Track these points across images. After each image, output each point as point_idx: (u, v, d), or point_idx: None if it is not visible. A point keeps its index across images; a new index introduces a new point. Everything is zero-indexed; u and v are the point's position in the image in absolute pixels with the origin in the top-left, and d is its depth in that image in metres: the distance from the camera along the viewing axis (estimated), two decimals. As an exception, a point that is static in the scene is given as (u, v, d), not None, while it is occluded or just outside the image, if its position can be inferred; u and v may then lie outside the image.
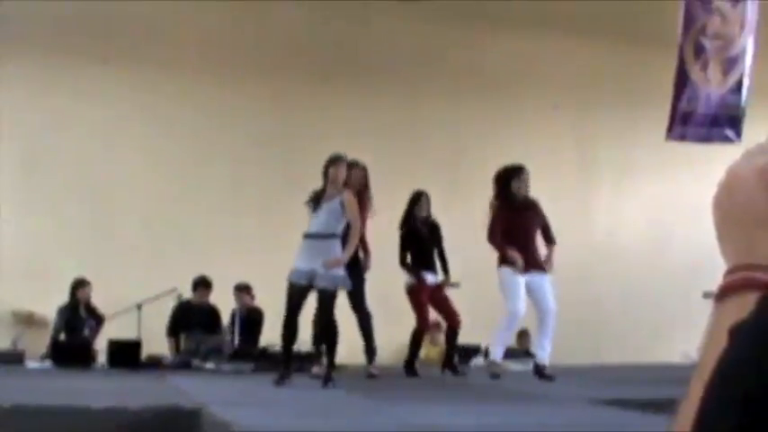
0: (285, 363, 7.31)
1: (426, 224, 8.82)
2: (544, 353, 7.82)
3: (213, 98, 11.23)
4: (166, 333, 10.03)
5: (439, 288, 8.76)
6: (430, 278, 8.72)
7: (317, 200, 7.30)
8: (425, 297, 8.64)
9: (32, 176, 10.69)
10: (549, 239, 8.13)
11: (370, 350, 8.28)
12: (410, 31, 11.84)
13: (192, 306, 10.11)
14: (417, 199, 8.82)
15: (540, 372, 7.79)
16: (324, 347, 7.63)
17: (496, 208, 8.00)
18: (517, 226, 7.85)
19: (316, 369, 7.59)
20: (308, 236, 7.25)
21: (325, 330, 7.43)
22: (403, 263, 8.72)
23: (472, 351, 10.25)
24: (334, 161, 7.41)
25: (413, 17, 11.68)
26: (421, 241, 8.75)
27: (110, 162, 10.95)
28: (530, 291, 7.81)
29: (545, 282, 7.85)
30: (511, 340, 8.15)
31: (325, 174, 7.38)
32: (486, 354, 9.00)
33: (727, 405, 0.64)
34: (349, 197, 7.34)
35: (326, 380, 7.13)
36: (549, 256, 7.99)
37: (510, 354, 8.95)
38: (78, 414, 5.29)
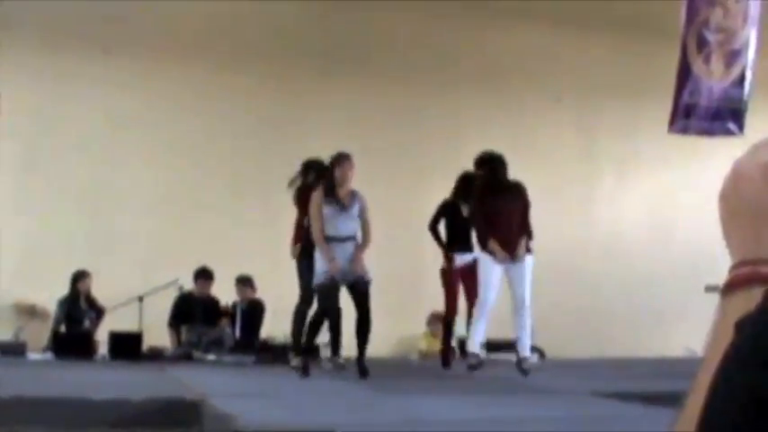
0: (310, 353, 7.61)
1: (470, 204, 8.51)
2: (523, 347, 7.72)
3: (215, 90, 11.21)
4: (168, 325, 10.03)
5: (473, 265, 8.22)
6: (464, 257, 8.39)
7: (336, 201, 7.44)
8: (456, 280, 8.39)
9: (34, 168, 10.68)
10: (527, 229, 7.73)
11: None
12: (412, 22, 11.82)
13: (193, 298, 10.11)
14: (468, 179, 8.54)
15: (518, 364, 7.70)
16: (358, 340, 7.50)
17: (479, 191, 7.81)
18: (500, 211, 7.63)
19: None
20: (340, 239, 7.41)
21: (366, 320, 7.43)
22: (432, 228, 8.45)
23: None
24: (339, 160, 7.51)
25: (415, 9, 11.66)
26: (459, 219, 8.44)
27: (111, 153, 10.94)
28: (508, 279, 7.69)
29: (525, 271, 7.62)
30: (484, 330, 7.90)
31: (331, 171, 7.49)
32: (485, 346, 8.96)
33: (734, 400, 0.64)
34: (366, 205, 7.57)
35: (363, 372, 7.26)
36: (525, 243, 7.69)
37: (511, 346, 8.90)
38: (80, 406, 5.30)
